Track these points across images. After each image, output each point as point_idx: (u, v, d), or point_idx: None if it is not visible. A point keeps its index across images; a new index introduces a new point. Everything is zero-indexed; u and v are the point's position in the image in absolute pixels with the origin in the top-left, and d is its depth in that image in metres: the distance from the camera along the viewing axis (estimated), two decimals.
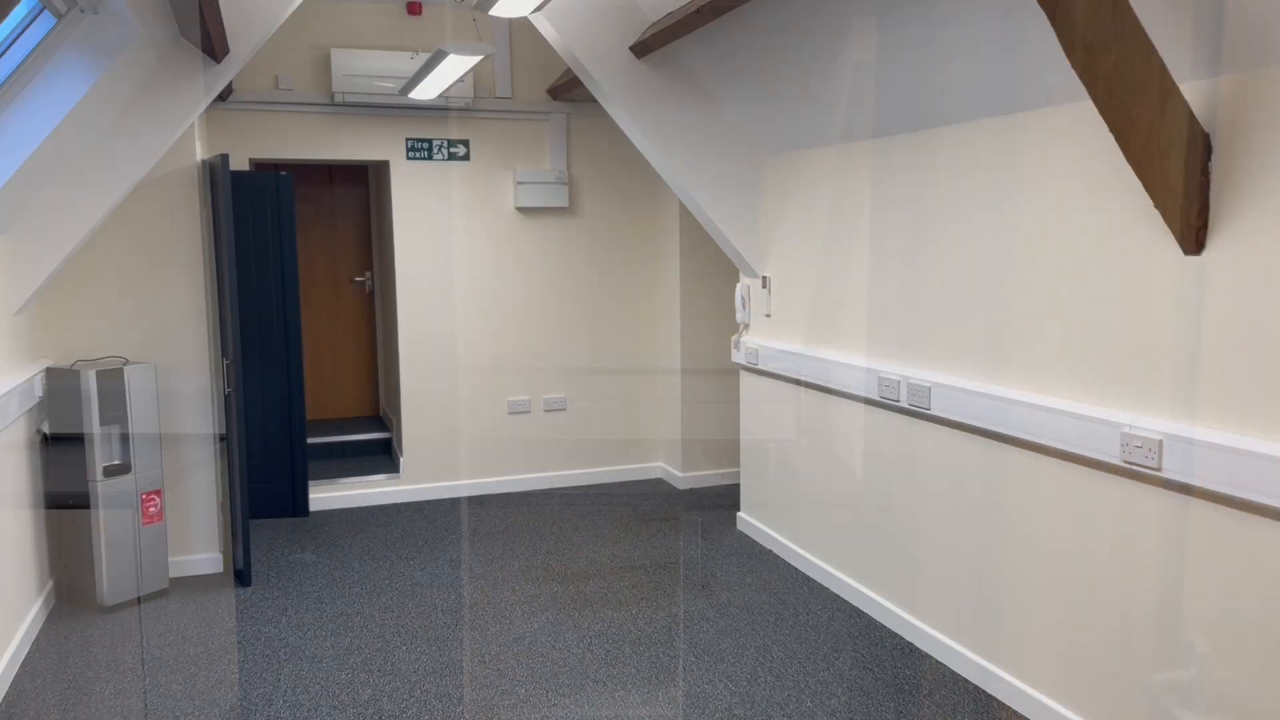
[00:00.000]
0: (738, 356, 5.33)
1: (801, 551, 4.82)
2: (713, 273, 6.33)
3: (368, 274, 7.64)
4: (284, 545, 5.35)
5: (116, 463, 4.42)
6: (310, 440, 6.74)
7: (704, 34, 4.53)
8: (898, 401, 3.93)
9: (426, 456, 6.26)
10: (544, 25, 4.67)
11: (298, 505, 5.91)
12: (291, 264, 5.75)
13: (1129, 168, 2.83)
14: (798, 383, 4.74)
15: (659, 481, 6.64)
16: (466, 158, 6.16)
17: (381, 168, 6.52)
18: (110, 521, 4.38)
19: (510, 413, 6.39)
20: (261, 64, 5.76)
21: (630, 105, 4.81)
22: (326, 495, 6.08)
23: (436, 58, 4.22)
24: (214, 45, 3.99)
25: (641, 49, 4.72)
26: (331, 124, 5.92)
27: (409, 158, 6.06)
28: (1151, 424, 2.79)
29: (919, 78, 3.53)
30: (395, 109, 5.98)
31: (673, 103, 4.86)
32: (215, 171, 4.66)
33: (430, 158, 6.09)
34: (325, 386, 7.58)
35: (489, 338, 6.30)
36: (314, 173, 7.42)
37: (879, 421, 4.12)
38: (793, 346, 4.77)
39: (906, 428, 3.93)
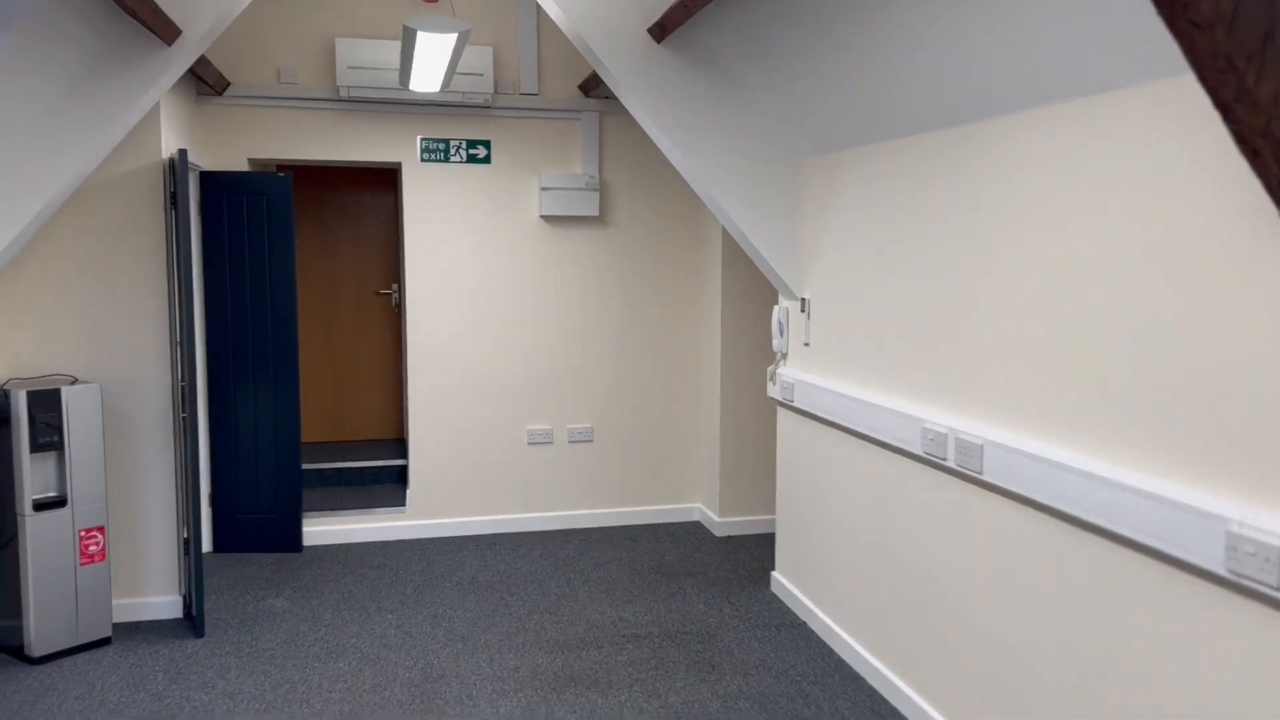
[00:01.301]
0: (773, 390, 4.57)
1: (836, 628, 4.03)
2: (758, 292, 5.58)
3: (395, 286, 7.12)
4: (261, 587, 4.81)
5: (50, 495, 3.92)
6: (325, 465, 6.23)
7: (733, 13, 3.82)
8: (944, 460, 3.13)
9: (435, 490, 5.66)
10: (549, 3, 4.03)
11: (289, 539, 5.38)
12: (287, 274, 5.24)
13: (1239, 158, 2.01)
14: (836, 426, 3.96)
15: (695, 526, 5.90)
16: (487, 160, 5.56)
17: (395, 171, 5.98)
18: (40, 562, 3.89)
19: (530, 443, 5.75)
20: (261, 55, 5.27)
21: (648, 97, 4.12)
22: (324, 529, 5.53)
23: (408, 38, 3.62)
24: (150, 23, 3.47)
25: (660, 31, 4.04)
26: (338, 121, 5.39)
27: (423, 159, 5.49)
28: (1273, 523, 1.96)
29: (981, 59, 2.75)
30: (407, 105, 5.42)
31: (697, 94, 4.15)
32: (176, 169, 4.15)
33: (447, 160, 5.52)
34: (348, 407, 7.08)
35: (508, 360, 5.68)
36: (341, 175, 6.94)
37: (924, 482, 3.32)
38: (831, 383, 3.99)
39: (954, 492, 3.13)
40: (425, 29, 3.42)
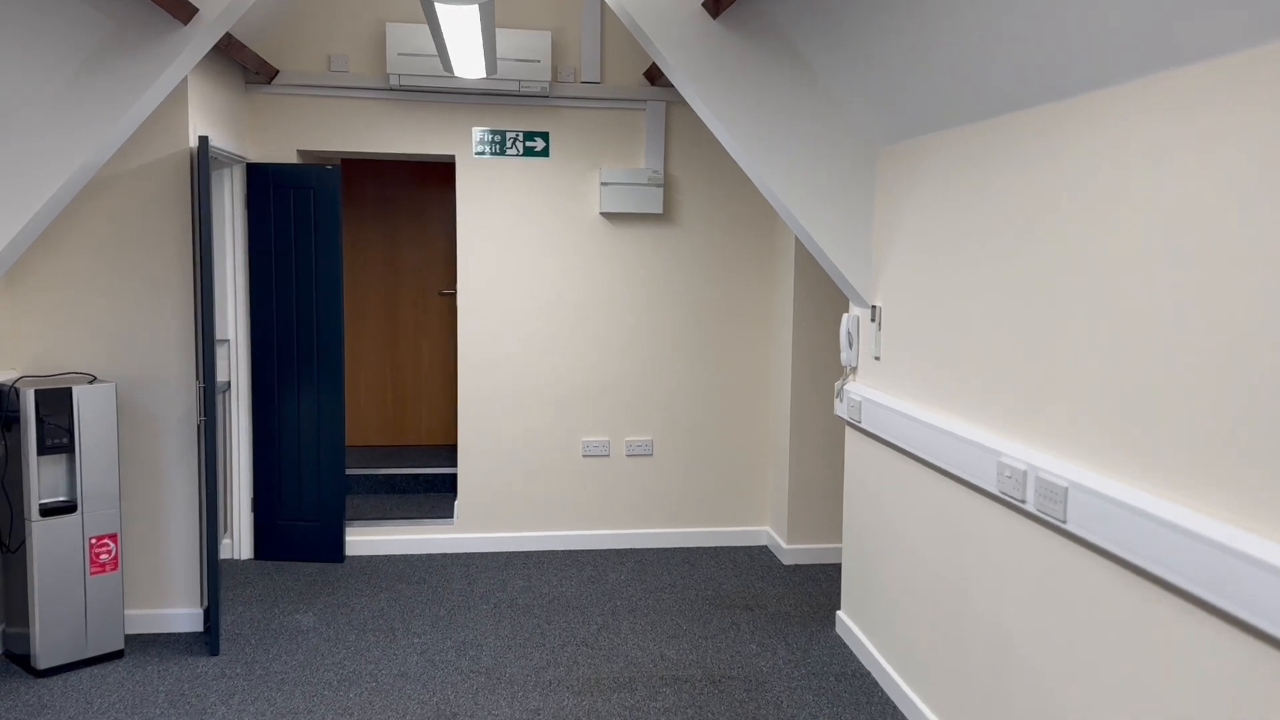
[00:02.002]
0: (840, 408, 4.08)
1: (901, 683, 3.53)
2: (834, 299, 5.09)
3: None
4: (292, 600, 4.56)
5: (60, 500, 3.73)
6: (378, 471, 5.99)
7: None
8: (1023, 502, 2.62)
9: (484, 502, 5.35)
10: None
11: (332, 549, 5.14)
12: (333, 271, 4.99)
13: None
14: (905, 453, 3.46)
15: (762, 552, 5.43)
16: (545, 153, 5.22)
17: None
18: (47, 570, 3.70)
19: (585, 455, 5.38)
20: (311, 41, 5.04)
21: (702, 78, 3.70)
22: (369, 538, 5.27)
23: (429, 12, 3.28)
24: (163, 1, 3.22)
25: (716, 6, 3.61)
26: (390, 112, 5.13)
27: (477, 153, 5.18)
28: None
29: (1101, 8, 2.24)
30: (461, 95, 5.12)
31: (757, 73, 3.71)
32: (194, 159, 3.92)
33: (503, 153, 5.19)
34: (407, 410, 6.84)
35: (564, 367, 5.32)
36: (405, 169, 6.71)
37: (999, 526, 2.81)
38: (901, 403, 3.49)
39: (1033, 541, 2.61)
40: (442, 0, 3.08)
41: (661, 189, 5.21)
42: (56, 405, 3.66)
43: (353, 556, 5.24)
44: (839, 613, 4.24)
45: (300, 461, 5.10)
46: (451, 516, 5.38)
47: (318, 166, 4.97)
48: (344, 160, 6.59)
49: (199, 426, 3.90)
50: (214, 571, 3.91)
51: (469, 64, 4.26)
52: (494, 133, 5.18)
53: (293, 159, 5.12)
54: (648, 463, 5.43)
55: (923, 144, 3.37)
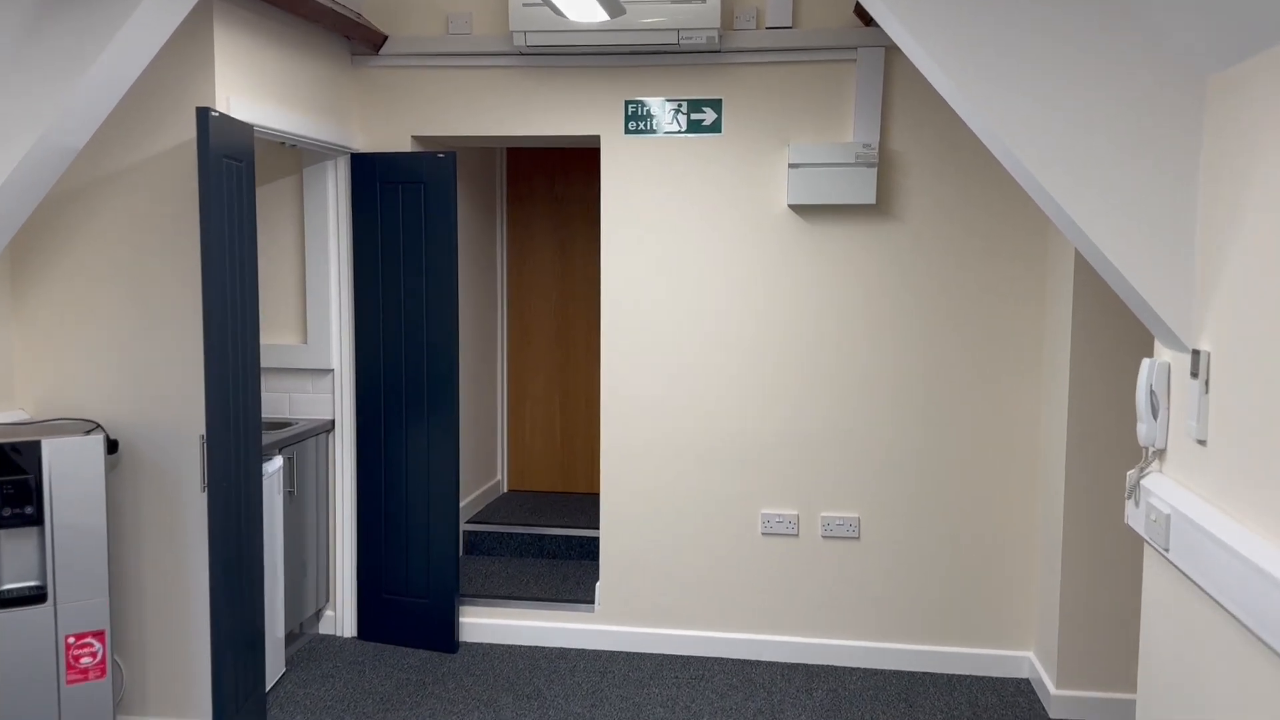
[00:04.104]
0: (1134, 516, 2.44)
1: None
2: (1136, 337, 3.39)
3: None
4: (372, 709, 3.54)
5: (24, 586, 2.89)
6: (527, 529, 4.90)
7: None
8: None
9: (631, 585, 4.10)
10: None
11: (441, 635, 4.09)
12: (446, 284, 3.95)
13: None
14: (1250, 632, 1.82)
15: (1019, 689, 3.78)
16: (715, 128, 3.90)
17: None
18: (7, 678, 2.87)
19: (765, 533, 3.99)
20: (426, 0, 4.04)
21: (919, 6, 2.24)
22: (490, 623, 4.18)
23: None
24: None
25: None
26: (519, 82, 4.01)
27: (628, 130, 3.95)
28: None
29: None
30: (604, 56, 3.91)
31: None
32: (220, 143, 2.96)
33: (659, 130, 3.93)
34: (577, 449, 5.71)
35: (737, 413, 3.97)
36: (578, 157, 5.59)
37: None
38: (1244, 536, 1.85)
39: None
40: None
41: (875, 170, 3.72)
42: (16, 465, 2.82)
43: (469, 644, 4.17)
44: None
45: (407, 523, 4.10)
46: (593, 602, 4.17)
47: (428, 155, 3.95)
48: (509, 149, 5.60)
49: (219, 489, 2.94)
50: (219, 671, 2.94)
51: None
52: (648, 103, 3.93)
53: (406, 146, 4.14)
54: (851, 549, 3.95)
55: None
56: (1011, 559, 3.86)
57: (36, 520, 2.86)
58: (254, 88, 3.32)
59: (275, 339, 4.25)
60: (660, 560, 4.06)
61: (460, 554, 4.91)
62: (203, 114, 2.79)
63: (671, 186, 3.94)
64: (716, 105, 3.89)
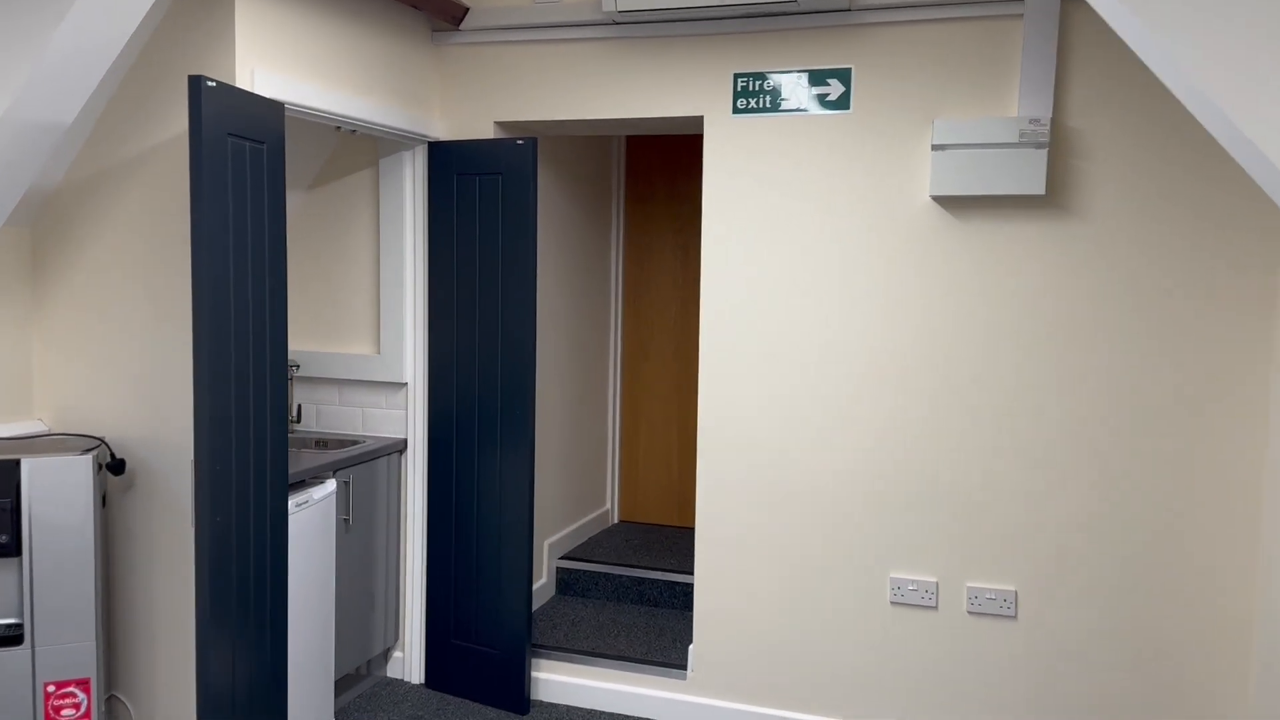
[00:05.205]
0: None
1: None
2: None
3: None
4: None
5: (1, 624, 2.55)
6: (626, 570, 4.30)
7: None
8: None
9: (730, 653, 3.43)
10: None
11: (510, 694, 3.55)
12: (523, 289, 3.44)
13: None
14: None
15: None
16: (842, 103, 3.20)
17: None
18: None
19: (895, 601, 3.24)
20: None
21: None
22: (566, 680, 3.62)
23: None
24: None
25: None
26: (613, 56, 3.45)
27: (737, 109, 3.31)
28: None
29: None
30: (708, 21, 3.29)
31: None
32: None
33: (775, 108, 3.27)
34: (671, 479, 5.03)
35: (860, 453, 3.24)
36: (688, 148, 4.95)
37: None
38: None
39: None
40: None
41: (1045, 152, 2.92)
42: None
43: (543, 703, 3.62)
44: None
45: (477, 561, 3.60)
46: (685, 667, 3.53)
47: (506, 141, 3.44)
48: (629, 142, 5.04)
49: (214, 522, 2.51)
50: None
51: None
52: (761, 77, 3.27)
53: (490, 135, 3.65)
54: (1007, 630, 3.13)
55: None
56: (1221, 653, 2.95)
57: (13, 550, 2.50)
58: (291, 62, 2.89)
59: (349, 348, 3.86)
60: (764, 624, 3.37)
61: (553, 592, 4.38)
62: (195, 83, 2.36)
63: (786, 176, 3.26)
64: (844, 76, 3.19)
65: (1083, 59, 2.97)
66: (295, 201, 3.84)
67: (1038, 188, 2.94)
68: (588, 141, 4.64)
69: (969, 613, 3.17)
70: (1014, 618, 3.13)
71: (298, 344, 3.93)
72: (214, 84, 2.39)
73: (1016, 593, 3.12)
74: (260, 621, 2.73)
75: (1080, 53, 2.97)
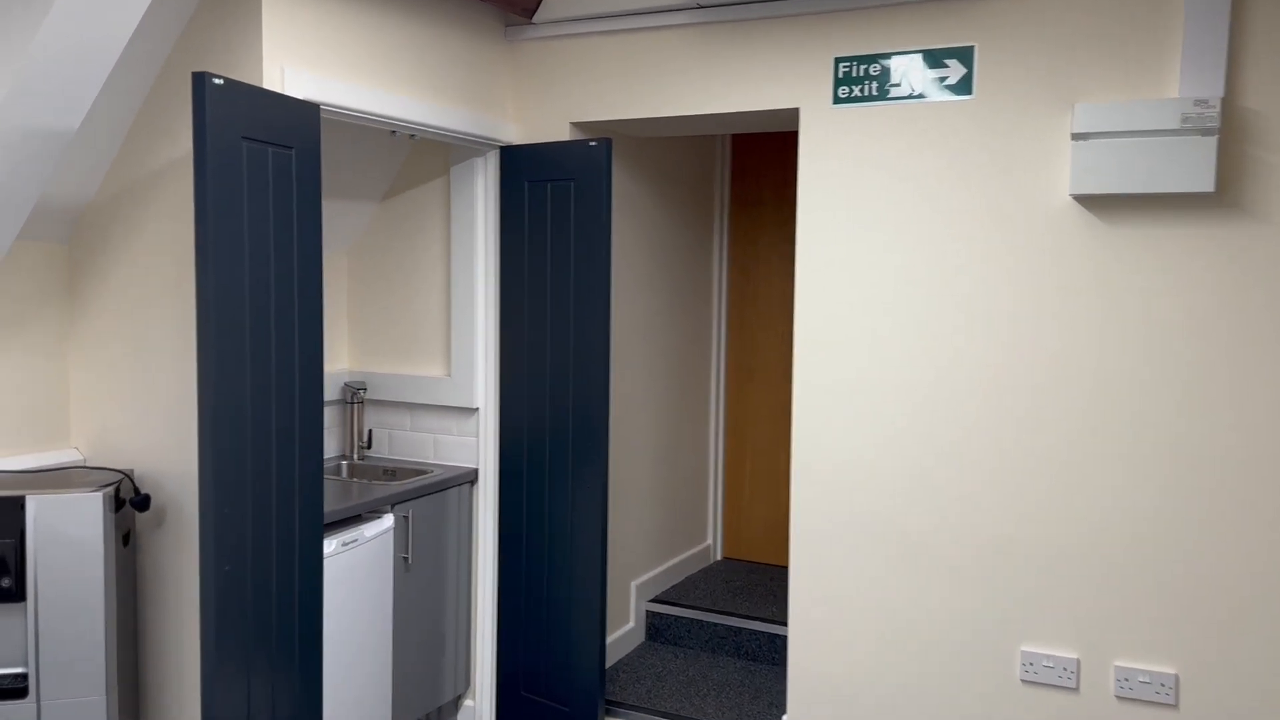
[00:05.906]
0: None
1: None
2: None
3: None
4: None
5: (4, 674, 2.35)
6: (721, 619, 3.89)
7: None
8: None
9: (834, 706, 2.98)
10: None
11: None
12: (596, 306, 3.09)
13: None
14: None
15: None
16: (963, 88, 2.72)
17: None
18: None
19: (1026, 679, 2.72)
20: None
21: None
22: None
23: None
24: None
25: None
26: (695, 45, 3.06)
27: (838, 99, 2.87)
28: None
29: None
30: (805, 0, 2.87)
31: None
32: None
33: (883, 95, 2.82)
34: (780, 513, 4.51)
35: (983, 501, 2.74)
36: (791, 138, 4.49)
37: None
38: None
39: None
40: None
41: (1214, 140, 2.38)
42: None
43: None
44: None
45: (547, 607, 3.26)
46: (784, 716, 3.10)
47: (579, 144, 3.11)
48: (734, 136, 4.63)
49: (223, 572, 2.25)
50: None
51: None
52: (866, 60, 2.82)
53: (565, 136, 3.32)
54: (1169, 717, 2.58)
55: None
56: None
57: (17, 595, 2.30)
58: (331, 61, 2.63)
59: (420, 369, 3.59)
60: (868, 696, 2.91)
61: (642, 638, 4.01)
62: (198, 81, 2.10)
63: (894, 176, 2.80)
64: (965, 56, 2.71)
65: (1264, 26, 2.41)
66: (367, 213, 3.61)
67: (1206, 184, 2.39)
68: (687, 142, 4.27)
69: (1117, 698, 2.62)
70: (1174, 706, 2.56)
71: (368, 365, 3.69)
72: (221, 81, 2.13)
73: (1178, 676, 2.56)
74: (289, 674, 2.46)
75: (1260, 18, 2.41)
